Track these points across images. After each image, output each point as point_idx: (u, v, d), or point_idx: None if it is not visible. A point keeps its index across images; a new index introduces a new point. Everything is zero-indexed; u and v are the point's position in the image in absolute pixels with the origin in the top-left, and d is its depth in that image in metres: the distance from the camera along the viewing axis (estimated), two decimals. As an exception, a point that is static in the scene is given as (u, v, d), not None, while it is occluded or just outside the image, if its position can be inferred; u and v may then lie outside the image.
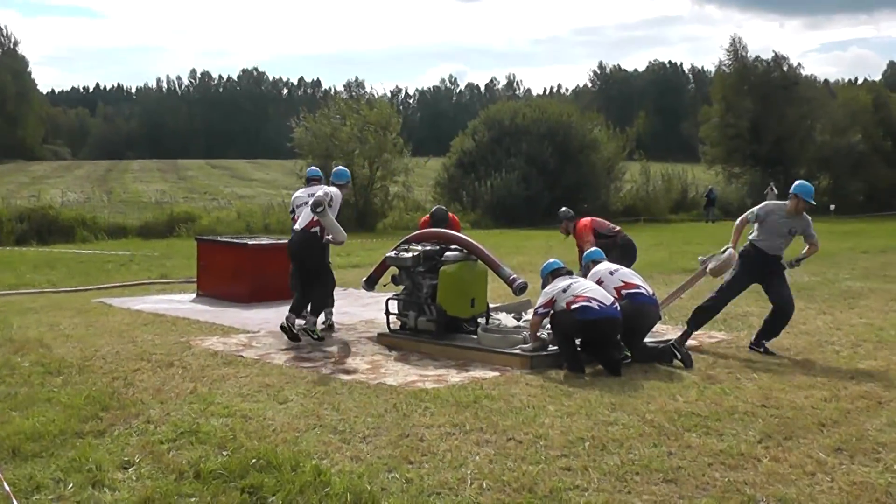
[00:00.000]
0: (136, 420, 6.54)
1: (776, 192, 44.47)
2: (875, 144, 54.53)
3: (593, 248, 10.10)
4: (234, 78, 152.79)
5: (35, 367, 8.39)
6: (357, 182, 36.24)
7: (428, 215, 12.01)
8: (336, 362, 8.89)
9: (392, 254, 10.23)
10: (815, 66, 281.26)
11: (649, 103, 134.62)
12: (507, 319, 10.15)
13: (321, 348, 9.63)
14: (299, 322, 10.09)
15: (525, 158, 41.35)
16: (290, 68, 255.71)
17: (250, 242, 14.30)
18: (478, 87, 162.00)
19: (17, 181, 53.99)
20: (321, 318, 10.55)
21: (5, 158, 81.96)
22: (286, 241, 11.76)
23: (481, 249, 10.02)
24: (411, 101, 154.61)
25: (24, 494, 5.02)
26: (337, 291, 14.66)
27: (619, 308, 8.58)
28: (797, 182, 9.69)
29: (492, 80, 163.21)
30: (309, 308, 10.22)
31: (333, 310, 11.21)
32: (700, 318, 9.63)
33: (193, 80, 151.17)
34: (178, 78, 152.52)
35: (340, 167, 11.86)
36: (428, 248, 10.06)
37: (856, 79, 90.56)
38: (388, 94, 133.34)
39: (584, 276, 9.34)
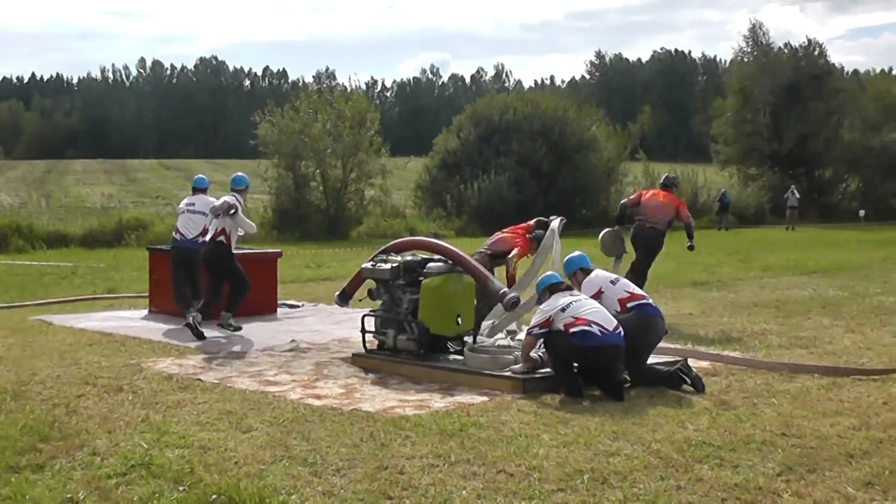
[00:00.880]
0: (79, 452, 6.53)
1: (797, 195, 44.75)
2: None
3: (578, 253, 9.72)
4: (190, 68, 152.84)
5: (-37, 393, 8.37)
6: (329, 185, 36.34)
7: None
8: (305, 386, 8.89)
9: (368, 265, 10.25)
10: (842, 55, 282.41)
11: (655, 97, 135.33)
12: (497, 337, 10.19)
13: (289, 371, 9.63)
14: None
15: (516, 159, 41.48)
16: (252, 57, 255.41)
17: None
18: (462, 78, 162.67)
19: (-60, 184, 53.82)
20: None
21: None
22: (247, 251, 13.75)
23: (468, 260, 10.05)
24: (388, 94, 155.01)
25: (-47, 537, 5.01)
26: (307, 307, 14.81)
27: (622, 333, 8.54)
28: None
29: (478, 71, 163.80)
30: (225, 304, 12.13)
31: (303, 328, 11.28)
32: None
33: (143, 70, 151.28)
34: (126, 67, 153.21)
35: (239, 174, 13.38)
36: (408, 258, 10.09)
37: (890, 69, 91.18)
38: (363, 87, 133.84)
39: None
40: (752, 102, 55.50)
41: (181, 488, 5.76)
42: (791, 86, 54.42)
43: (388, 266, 9.98)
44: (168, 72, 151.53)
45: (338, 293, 11.27)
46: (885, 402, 8.23)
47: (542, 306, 8.81)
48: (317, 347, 11.11)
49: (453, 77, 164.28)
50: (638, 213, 13.60)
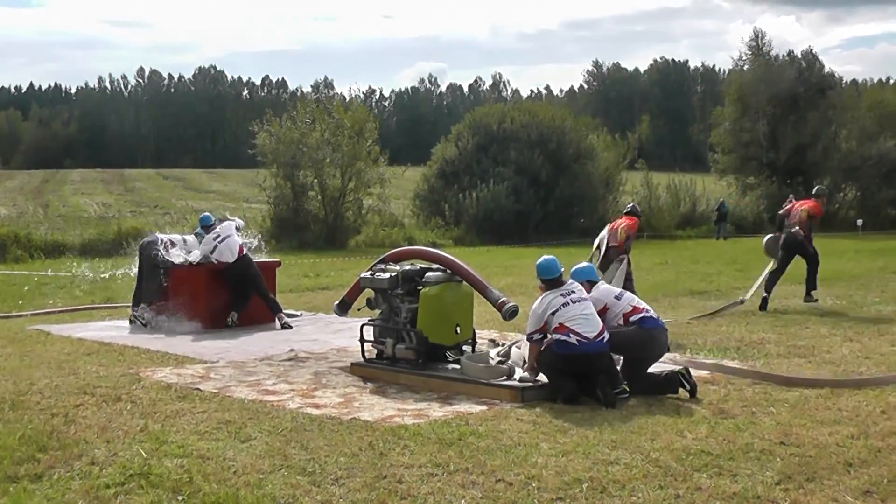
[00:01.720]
0: (78, 462, 6.53)
1: (796, 205, 44.71)
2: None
3: (586, 264, 9.85)
4: (188, 77, 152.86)
5: (-38, 402, 8.37)
6: (328, 194, 36.39)
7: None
8: (304, 396, 8.89)
9: (367, 274, 10.26)
10: (839, 65, 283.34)
11: (652, 106, 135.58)
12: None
13: (288, 380, 9.63)
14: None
15: (514, 168, 41.57)
16: (251, 67, 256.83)
17: (206, 263, 14.27)
18: (460, 87, 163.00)
19: (-62, 194, 53.82)
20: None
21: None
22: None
23: (466, 269, 10.06)
24: (387, 103, 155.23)
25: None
26: (306, 316, 14.82)
27: (606, 339, 8.64)
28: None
29: (476, 81, 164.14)
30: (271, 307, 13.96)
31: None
32: None
33: (141, 80, 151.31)
34: (124, 77, 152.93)
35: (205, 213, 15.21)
36: (407, 267, 10.10)
37: (887, 78, 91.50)
38: (362, 96, 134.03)
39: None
40: (751, 111, 55.61)
41: (180, 498, 5.76)
42: (789, 95, 54.57)
43: (387, 275, 9.99)
44: (166, 81, 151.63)
45: (336, 302, 11.28)
46: (884, 410, 8.22)
47: (534, 306, 8.83)
48: (315, 357, 11.12)
49: (451, 86, 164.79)
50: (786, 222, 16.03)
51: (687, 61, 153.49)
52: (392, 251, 11.16)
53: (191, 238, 14.64)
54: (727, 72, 66.32)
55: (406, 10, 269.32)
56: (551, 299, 8.72)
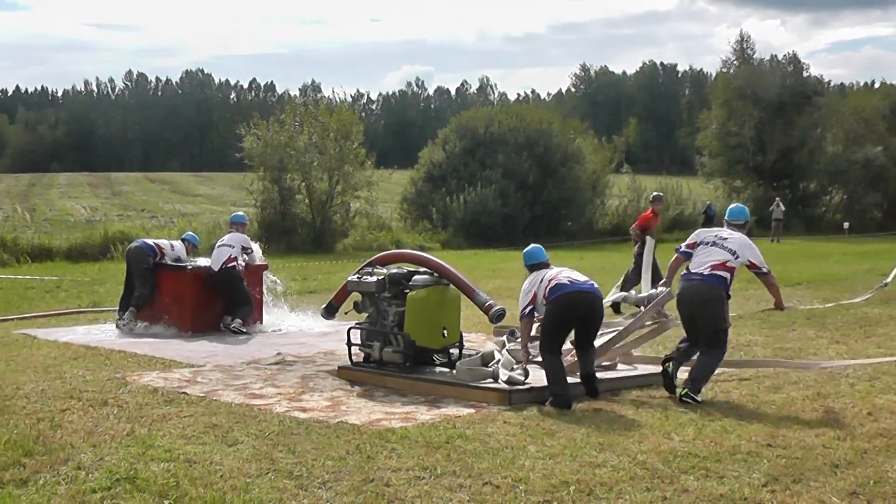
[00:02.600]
0: (64, 466, 6.50)
1: (783, 208, 44.96)
2: (894, 155, 55.06)
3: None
4: (175, 80, 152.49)
5: (-54, 407, 8.33)
6: (315, 198, 36.32)
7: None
8: (291, 399, 8.88)
9: (354, 278, 10.26)
10: (824, 69, 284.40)
11: (640, 109, 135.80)
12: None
13: (275, 384, 9.62)
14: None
15: (502, 171, 41.57)
16: (238, 70, 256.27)
17: (192, 266, 14.26)
18: (448, 91, 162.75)
19: (-77, 197, 53.58)
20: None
21: None
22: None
23: (453, 273, 10.07)
24: (374, 107, 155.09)
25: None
26: (293, 320, 14.82)
27: (595, 286, 9.03)
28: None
29: (462, 84, 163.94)
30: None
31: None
32: None
33: (128, 83, 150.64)
34: (111, 80, 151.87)
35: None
36: (394, 271, 10.10)
37: (872, 82, 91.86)
38: (350, 99, 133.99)
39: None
40: (738, 115, 55.82)
41: (166, 502, 5.75)
42: (776, 99, 54.80)
43: (374, 279, 9.99)
44: (153, 84, 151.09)
45: (324, 306, 11.29)
46: (870, 412, 8.26)
47: (523, 287, 9.12)
48: (303, 360, 11.10)
49: (438, 90, 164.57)
50: None
51: (676, 65, 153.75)
52: (379, 255, 11.17)
53: (178, 244, 14.63)
54: (714, 75, 66.51)
55: (393, 13, 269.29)
56: (537, 274, 9.10)
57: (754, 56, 57.96)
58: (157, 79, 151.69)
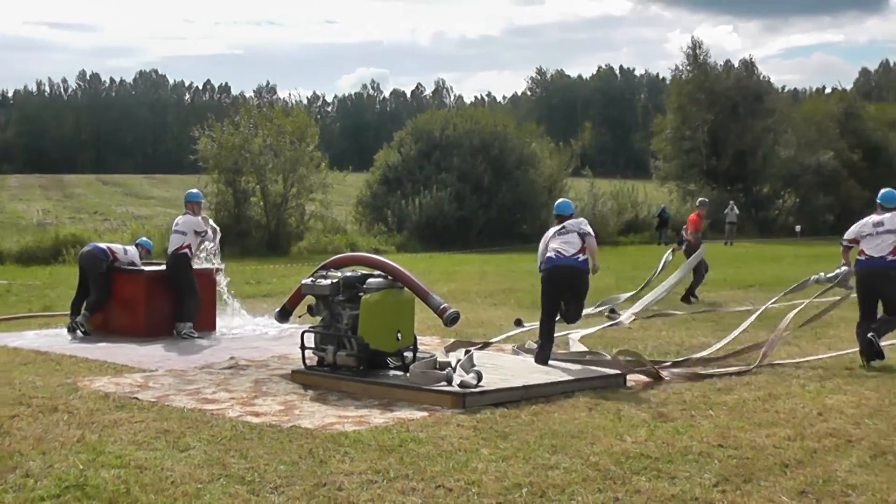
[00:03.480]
0: (12, 475, 6.42)
1: (737, 211, 45.41)
2: (845, 160, 55.86)
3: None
4: (129, 81, 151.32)
5: None
6: (270, 200, 36.19)
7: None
8: (244, 404, 8.83)
9: (308, 281, 10.22)
10: (777, 74, 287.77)
11: (595, 113, 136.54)
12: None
13: (228, 388, 9.57)
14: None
15: (457, 174, 41.64)
16: (193, 71, 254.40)
17: (146, 269, 14.16)
18: (403, 93, 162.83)
19: None
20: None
21: None
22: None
23: (408, 275, 10.07)
24: (330, 109, 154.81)
25: None
26: (247, 324, 14.74)
27: (582, 259, 10.83)
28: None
29: (418, 87, 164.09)
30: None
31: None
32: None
33: (81, 84, 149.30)
34: (64, 81, 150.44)
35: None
36: (348, 274, 10.08)
37: (823, 87, 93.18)
38: (305, 102, 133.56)
39: None
40: (692, 119, 56.35)
41: (116, 508, 5.70)
42: (729, 104, 55.39)
43: (328, 282, 9.96)
44: (107, 85, 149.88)
45: (277, 310, 11.24)
46: (820, 412, 8.38)
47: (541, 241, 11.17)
48: (256, 364, 11.05)
49: (394, 92, 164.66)
50: None
51: (633, 69, 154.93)
52: (333, 257, 11.13)
53: (131, 249, 14.49)
54: (669, 80, 67.05)
55: (349, 16, 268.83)
56: (550, 231, 11.19)
57: (707, 61, 58.46)
58: (111, 79, 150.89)
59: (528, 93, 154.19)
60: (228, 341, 13.14)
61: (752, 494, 6.01)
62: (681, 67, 59.32)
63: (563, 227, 11.02)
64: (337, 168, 41.32)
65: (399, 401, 8.86)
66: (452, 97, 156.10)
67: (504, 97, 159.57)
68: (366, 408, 8.64)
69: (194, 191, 14.97)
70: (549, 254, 10.77)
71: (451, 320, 9.90)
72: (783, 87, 66.57)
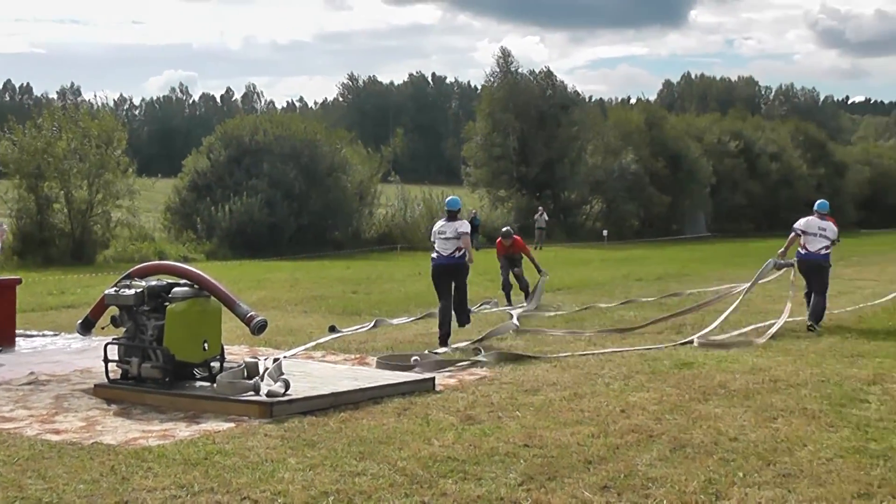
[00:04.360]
0: None
1: (546, 217, 46.52)
2: (648, 167, 58.08)
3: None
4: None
5: None
6: (74, 207, 35.02)
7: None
8: (44, 421, 8.49)
9: (111, 291, 9.92)
10: (584, 84, 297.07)
11: (407, 120, 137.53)
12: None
13: (27, 405, 9.19)
14: None
15: (268, 181, 41.29)
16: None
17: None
18: (213, 97, 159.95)
19: None
20: None
21: None
22: None
23: (214, 284, 9.89)
24: (138, 112, 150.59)
25: None
26: (47, 336, 14.18)
27: (458, 256, 13.17)
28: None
29: (227, 91, 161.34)
30: None
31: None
32: None
33: None
34: None
35: None
36: (153, 283, 9.84)
37: (628, 98, 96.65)
38: (112, 104, 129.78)
39: None
40: (501, 127, 57.48)
41: None
42: (538, 112, 56.78)
43: (132, 292, 9.68)
44: None
45: (80, 321, 10.85)
46: (623, 409, 8.65)
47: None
48: (57, 379, 10.63)
49: (204, 96, 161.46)
50: None
51: (445, 77, 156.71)
52: (139, 266, 10.82)
53: None
54: (480, 88, 68.34)
55: (156, 16, 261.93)
56: (436, 225, 13.57)
57: (516, 70, 59.69)
58: None
59: (340, 99, 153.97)
60: (28, 355, 12.61)
61: (556, 491, 6.17)
62: (492, 76, 60.45)
63: (444, 230, 13.33)
64: (145, 174, 40.36)
65: (206, 412, 8.70)
66: (264, 102, 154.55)
67: (316, 103, 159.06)
68: (171, 421, 8.44)
69: None
70: (433, 254, 13.47)
71: (259, 329, 9.78)
72: (590, 98, 68.66)
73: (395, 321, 15.42)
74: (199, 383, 9.53)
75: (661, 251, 41.33)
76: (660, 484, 6.36)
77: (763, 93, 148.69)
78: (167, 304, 9.57)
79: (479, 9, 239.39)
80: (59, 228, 35.07)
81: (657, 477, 6.51)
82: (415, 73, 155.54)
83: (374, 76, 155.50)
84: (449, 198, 14.18)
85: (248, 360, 9.79)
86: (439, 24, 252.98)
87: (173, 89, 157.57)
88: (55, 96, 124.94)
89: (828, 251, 14.77)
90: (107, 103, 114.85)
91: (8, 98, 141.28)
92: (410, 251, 41.13)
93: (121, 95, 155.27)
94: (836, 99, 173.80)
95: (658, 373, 10.71)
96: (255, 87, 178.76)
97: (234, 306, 9.83)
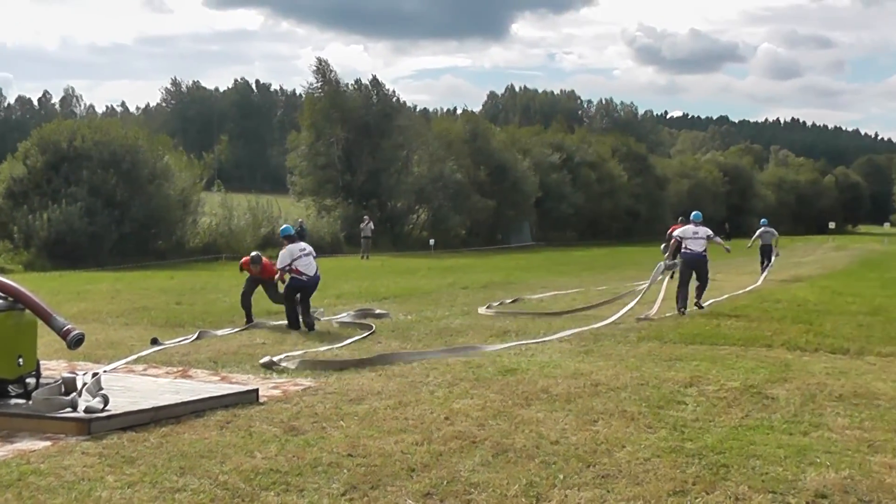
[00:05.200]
0: None
1: (372, 226, 46.64)
2: (472, 177, 58.98)
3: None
4: None
5: None
6: None
7: None
8: None
9: (-84, 305, 9.49)
10: (408, 94, 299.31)
11: (232, 126, 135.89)
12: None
13: None
14: None
15: (88, 188, 40.17)
16: None
17: None
18: (30, 100, 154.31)
19: None
20: None
21: None
22: None
23: (29, 296, 9.56)
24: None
25: None
26: None
27: (318, 273, 15.87)
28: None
29: (44, 94, 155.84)
30: None
31: None
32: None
33: None
34: None
35: None
36: (-36, 297, 9.45)
37: (454, 108, 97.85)
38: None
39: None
40: (326, 136, 57.36)
41: None
42: (361, 122, 56.90)
43: (-59, 306, 9.28)
44: None
45: None
46: (447, 417, 8.77)
47: (283, 253, 15.81)
48: None
49: (20, 99, 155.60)
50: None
51: (270, 84, 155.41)
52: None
53: None
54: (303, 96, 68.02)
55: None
56: (293, 249, 15.74)
57: (337, 80, 59.58)
58: None
59: (163, 104, 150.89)
60: None
61: (378, 500, 6.23)
62: (314, 85, 60.21)
63: (305, 250, 15.88)
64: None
65: (21, 431, 8.37)
66: (83, 106, 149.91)
67: (138, 108, 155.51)
68: (-19, 441, 8.12)
69: None
70: (301, 277, 15.72)
71: (76, 342, 9.50)
72: (415, 107, 69.28)
73: (220, 332, 15.19)
74: (13, 401, 9.18)
75: (487, 260, 41.99)
76: (482, 489, 6.49)
77: (584, 106, 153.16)
78: (-22, 318, 9.21)
79: (301, 16, 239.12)
80: None
81: (479, 482, 6.63)
82: (239, 80, 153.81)
83: (198, 81, 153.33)
84: (284, 226, 17.44)
85: (66, 375, 9.49)
86: (262, 30, 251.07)
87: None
88: None
89: (705, 250, 19.28)
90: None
91: None
92: (235, 261, 40.45)
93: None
94: (655, 113, 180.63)
95: (482, 379, 10.88)
96: (73, 91, 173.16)
97: (50, 319, 9.52)
